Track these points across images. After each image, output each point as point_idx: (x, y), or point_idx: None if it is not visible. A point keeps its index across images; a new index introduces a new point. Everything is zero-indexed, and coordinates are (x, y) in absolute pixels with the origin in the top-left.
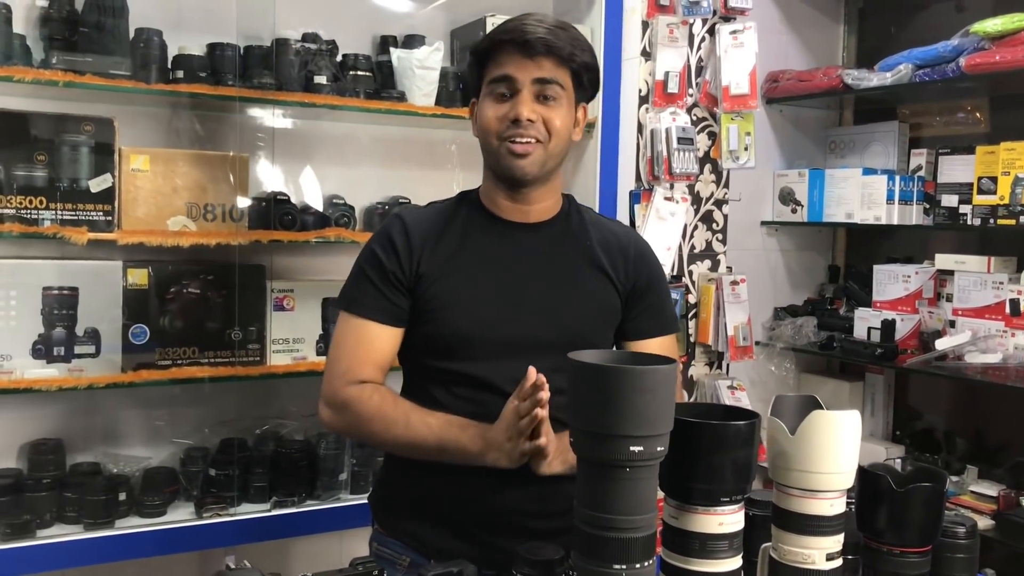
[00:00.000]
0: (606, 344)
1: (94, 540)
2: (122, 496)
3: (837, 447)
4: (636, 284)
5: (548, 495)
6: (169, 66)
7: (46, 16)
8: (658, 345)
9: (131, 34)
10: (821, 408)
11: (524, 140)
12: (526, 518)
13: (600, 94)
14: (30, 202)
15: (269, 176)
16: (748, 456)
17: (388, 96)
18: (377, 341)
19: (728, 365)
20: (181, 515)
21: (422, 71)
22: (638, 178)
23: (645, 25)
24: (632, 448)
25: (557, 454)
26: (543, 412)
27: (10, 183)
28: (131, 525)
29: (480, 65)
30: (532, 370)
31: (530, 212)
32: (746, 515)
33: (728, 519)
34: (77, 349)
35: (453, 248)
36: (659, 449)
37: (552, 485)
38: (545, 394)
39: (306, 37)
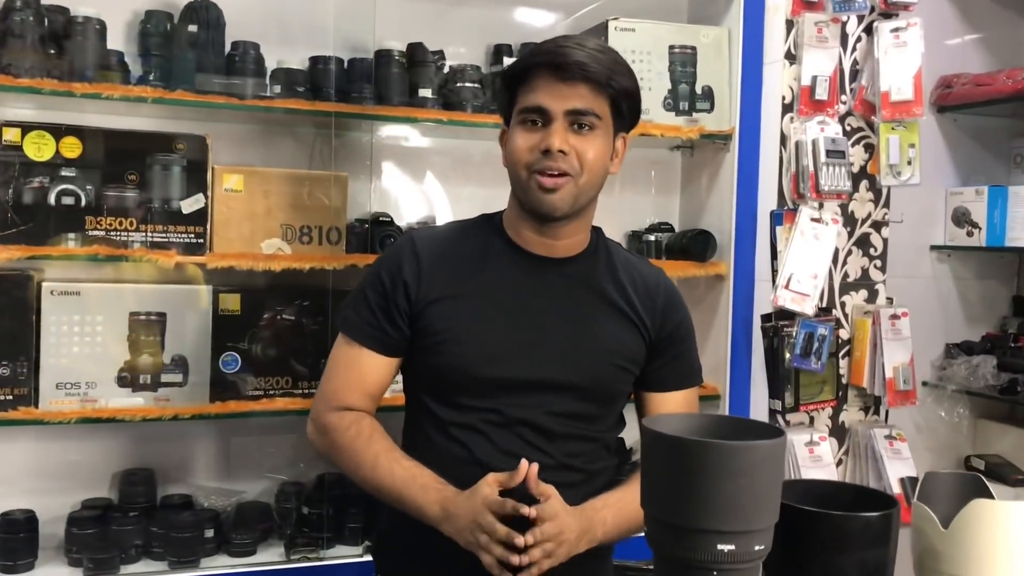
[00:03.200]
0: (624, 394)
1: None
2: (210, 533)
3: (1006, 549)
4: (664, 332)
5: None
6: (267, 80)
7: (143, 31)
8: (683, 399)
9: (227, 47)
10: (987, 495)
11: (554, 173)
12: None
13: (737, 102)
14: (119, 223)
15: (370, 196)
16: (882, 557)
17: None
18: (367, 369)
19: (886, 412)
20: (271, 556)
21: None
22: (781, 196)
23: (790, 24)
24: (721, 547)
25: (572, 541)
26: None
27: (100, 204)
28: (218, 565)
29: (511, 90)
30: (524, 464)
31: (556, 247)
32: None
33: None
34: (164, 377)
35: (468, 273)
36: (758, 548)
37: None
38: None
39: (411, 48)
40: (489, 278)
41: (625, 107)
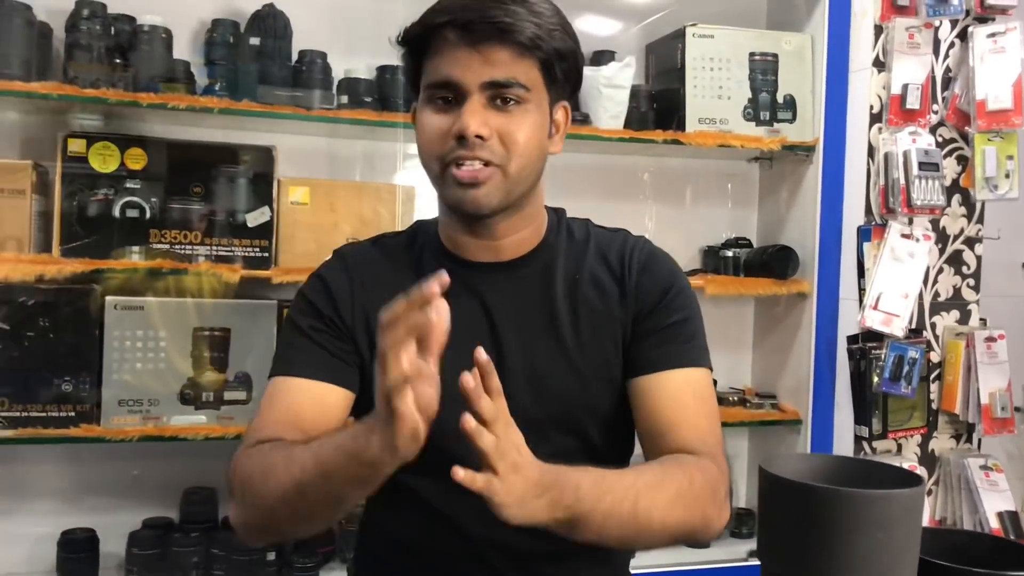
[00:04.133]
0: (619, 411)
1: None
2: (271, 556)
3: None
4: (643, 303)
5: None
6: (333, 91)
7: (209, 40)
8: (683, 380)
9: (294, 57)
10: None
11: (472, 163)
12: None
13: (821, 112)
14: (184, 236)
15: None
16: None
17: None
18: (303, 397)
19: (980, 440)
20: None
21: (609, 90)
22: (868, 211)
23: (879, 30)
24: None
25: (515, 474)
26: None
27: (164, 216)
28: None
29: (415, 59)
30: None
31: (500, 248)
32: None
33: None
34: (227, 395)
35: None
36: None
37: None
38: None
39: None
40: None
41: (559, 71)
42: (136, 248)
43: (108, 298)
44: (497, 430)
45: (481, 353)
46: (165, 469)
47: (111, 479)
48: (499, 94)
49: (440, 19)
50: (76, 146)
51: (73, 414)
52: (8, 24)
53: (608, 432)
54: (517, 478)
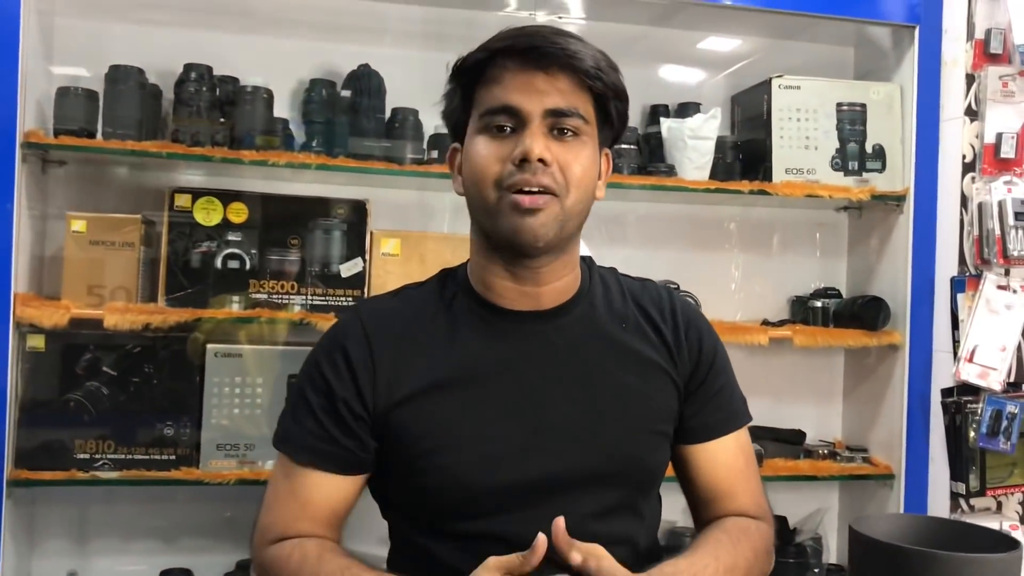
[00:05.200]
0: (663, 464)
1: None
2: None
3: None
4: (694, 364)
5: None
6: (424, 146)
7: (307, 99)
8: (735, 444)
9: (388, 114)
10: None
11: (533, 189)
12: None
13: (912, 161)
14: (281, 287)
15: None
16: None
17: (655, 170)
18: (317, 492)
19: None
20: None
21: (695, 141)
22: (962, 262)
23: (970, 79)
24: None
25: None
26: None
27: (263, 267)
28: None
29: (467, 90)
30: (541, 537)
31: (541, 295)
32: None
33: None
34: None
35: (436, 356)
36: None
37: None
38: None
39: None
40: (464, 355)
41: (613, 109)
42: (236, 297)
43: (209, 345)
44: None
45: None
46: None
47: (207, 520)
48: (559, 123)
49: (504, 44)
50: (182, 200)
51: (173, 457)
52: (122, 87)
53: (649, 487)
54: None
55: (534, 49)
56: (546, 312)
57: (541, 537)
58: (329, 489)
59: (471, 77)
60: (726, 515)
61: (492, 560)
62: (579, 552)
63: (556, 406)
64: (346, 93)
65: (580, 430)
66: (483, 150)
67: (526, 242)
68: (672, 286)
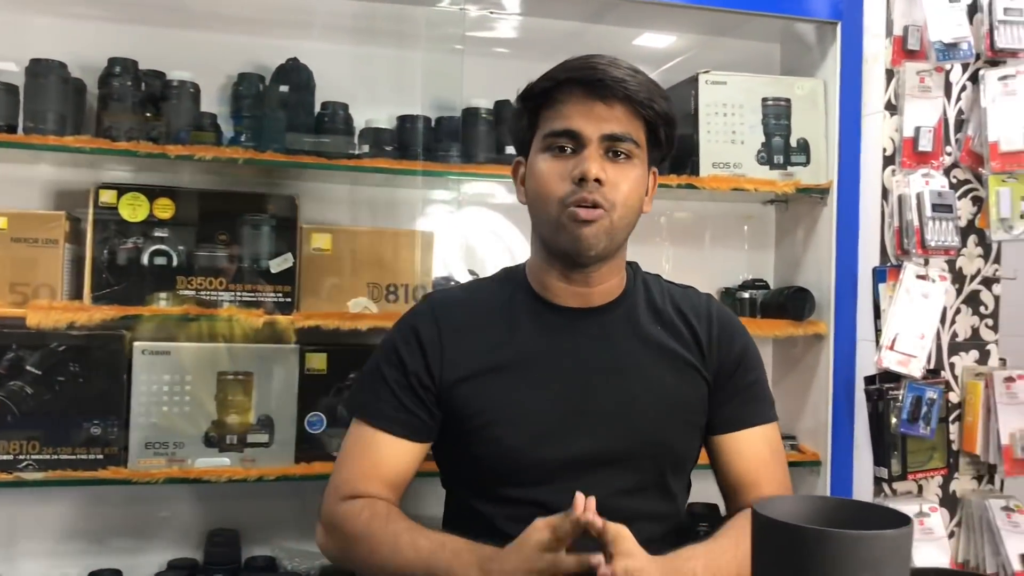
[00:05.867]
0: (693, 454)
1: None
2: None
3: None
4: (725, 364)
5: None
6: (355, 140)
7: (235, 93)
8: (762, 436)
9: (317, 108)
10: None
11: (588, 204)
12: None
13: (835, 155)
14: (209, 283)
15: (457, 253)
16: None
17: None
18: (387, 453)
19: (1003, 481)
20: None
21: None
22: (884, 253)
23: (890, 74)
24: None
25: None
26: (596, 520)
27: (191, 264)
28: None
29: (532, 113)
30: (580, 497)
31: (590, 295)
32: None
33: None
34: (250, 437)
35: (496, 343)
36: None
37: None
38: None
39: (498, 106)
40: (521, 343)
41: (663, 133)
42: (164, 295)
43: (136, 343)
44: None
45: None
46: (189, 511)
47: (137, 521)
48: (613, 147)
49: (570, 76)
50: (107, 197)
51: (101, 457)
52: (44, 81)
53: (678, 471)
54: None
55: (596, 81)
56: (593, 310)
57: (579, 495)
58: (398, 452)
59: (538, 101)
60: (751, 504)
61: (540, 520)
62: (606, 531)
63: (597, 392)
64: (279, 88)
65: (616, 414)
66: (547, 168)
67: (581, 250)
68: None
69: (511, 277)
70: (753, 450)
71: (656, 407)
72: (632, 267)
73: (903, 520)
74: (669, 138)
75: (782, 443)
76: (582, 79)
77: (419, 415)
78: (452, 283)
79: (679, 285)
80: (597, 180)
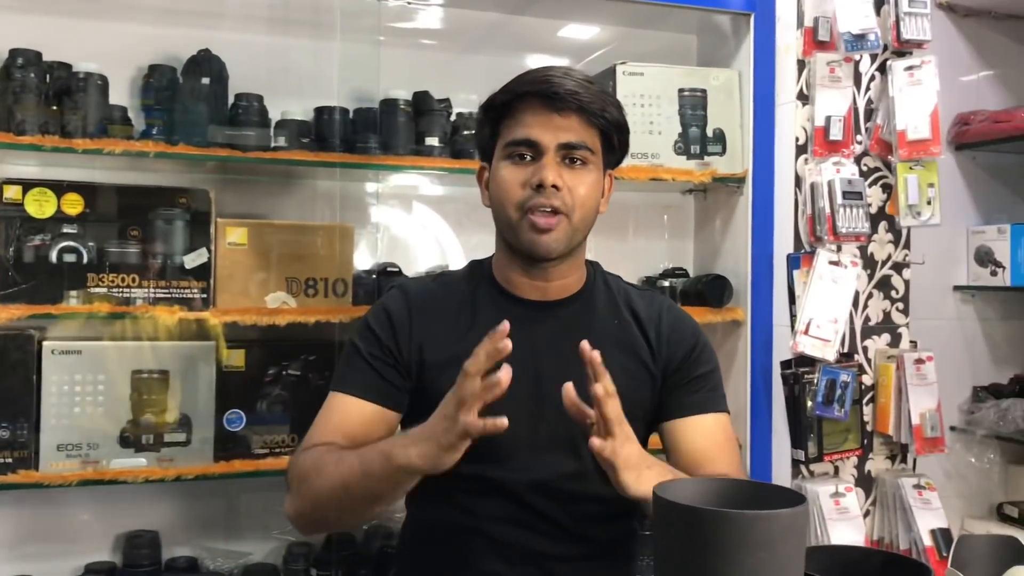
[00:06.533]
0: (639, 440)
1: None
2: None
3: None
4: (673, 357)
5: None
6: (271, 132)
7: (146, 85)
8: (714, 423)
9: (231, 100)
10: None
11: (547, 210)
12: None
13: (750, 145)
14: (122, 280)
15: (377, 247)
16: None
17: None
18: (354, 412)
19: (915, 460)
20: None
21: None
22: (797, 240)
23: (801, 65)
24: None
25: (630, 443)
26: (504, 377)
27: (102, 260)
28: None
29: (494, 123)
30: (505, 324)
31: (549, 289)
32: None
33: None
34: (167, 437)
35: (462, 331)
36: None
37: None
38: (506, 342)
39: (416, 97)
40: (483, 333)
41: (616, 141)
42: (74, 293)
43: (45, 343)
44: (615, 404)
45: (586, 347)
46: (106, 513)
47: (52, 525)
48: (569, 154)
49: (528, 89)
50: (12, 192)
51: (10, 460)
52: None
53: None
54: (633, 448)
55: (552, 94)
56: (551, 303)
57: (504, 323)
58: (364, 412)
59: (499, 112)
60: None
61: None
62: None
63: (551, 379)
64: (193, 80)
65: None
66: (508, 175)
67: (540, 255)
68: None
69: (478, 269)
70: (707, 432)
71: None
72: (593, 266)
73: (798, 500)
74: (623, 143)
75: (734, 435)
76: (539, 92)
77: (391, 381)
78: (373, 276)
79: (635, 286)
80: (554, 186)
